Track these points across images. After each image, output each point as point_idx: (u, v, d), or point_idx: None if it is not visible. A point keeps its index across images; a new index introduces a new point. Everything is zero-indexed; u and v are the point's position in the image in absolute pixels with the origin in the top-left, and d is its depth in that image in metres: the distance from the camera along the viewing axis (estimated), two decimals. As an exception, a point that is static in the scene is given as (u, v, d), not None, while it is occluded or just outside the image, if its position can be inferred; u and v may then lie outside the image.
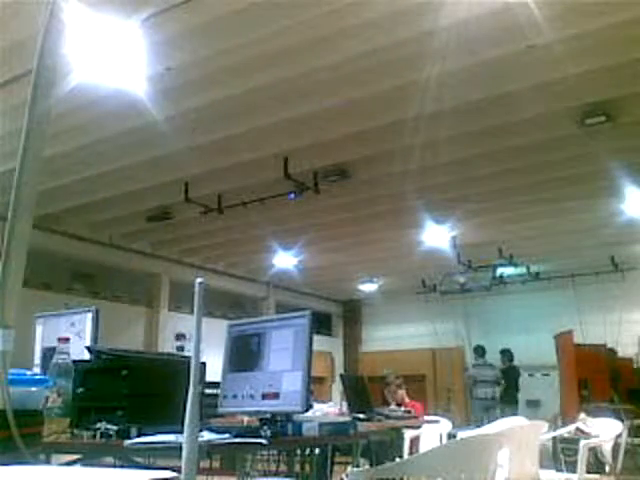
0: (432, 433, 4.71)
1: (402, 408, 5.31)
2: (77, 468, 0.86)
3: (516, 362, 11.15)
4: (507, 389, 10.84)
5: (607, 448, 4.14)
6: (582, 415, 4.92)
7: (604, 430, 4.27)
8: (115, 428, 1.88)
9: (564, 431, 5.03)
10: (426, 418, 4.88)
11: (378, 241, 10.15)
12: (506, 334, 12.18)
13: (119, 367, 2.11)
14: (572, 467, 4.16)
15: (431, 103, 5.43)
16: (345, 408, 4.43)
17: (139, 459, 1.89)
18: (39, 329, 2.98)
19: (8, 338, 1.08)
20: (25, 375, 1.16)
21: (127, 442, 1.76)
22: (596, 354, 9.66)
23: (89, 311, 2.91)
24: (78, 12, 3.75)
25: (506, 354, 11.07)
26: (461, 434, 4.35)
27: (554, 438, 5.17)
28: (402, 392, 6.24)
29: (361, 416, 3.71)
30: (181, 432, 1.45)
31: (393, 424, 3.92)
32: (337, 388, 11.74)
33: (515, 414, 9.32)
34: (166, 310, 11.06)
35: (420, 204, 8.20)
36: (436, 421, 4.84)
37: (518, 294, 12.34)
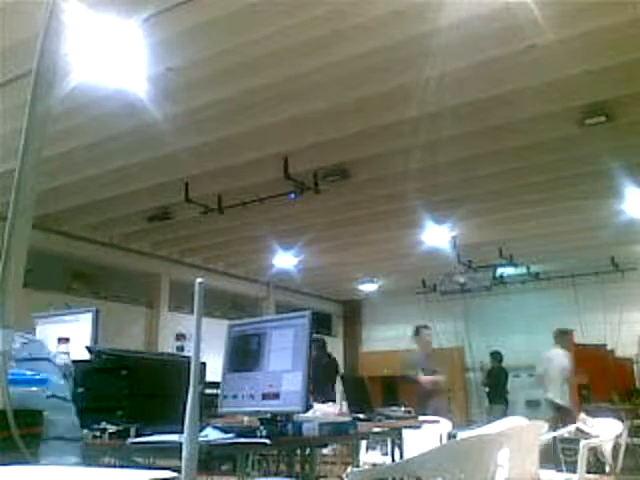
0: (432, 433, 4.71)
1: (402, 408, 5.30)
2: (77, 468, 0.86)
3: (517, 362, 11.17)
4: (496, 389, 10.88)
5: (607, 448, 4.14)
6: (582, 415, 4.91)
7: (604, 430, 4.27)
8: (115, 428, 1.88)
9: (564, 431, 5.02)
10: (426, 418, 4.87)
11: (378, 241, 10.14)
12: (506, 334, 12.18)
13: (119, 367, 2.11)
14: (572, 467, 4.15)
15: (431, 103, 5.43)
16: (345, 408, 4.43)
17: (139, 459, 1.89)
18: (39, 329, 2.98)
19: (8, 338, 1.08)
20: (25, 375, 1.16)
21: (127, 442, 1.76)
22: (596, 354, 9.67)
23: (89, 311, 2.92)
24: (78, 12, 3.76)
25: (496, 356, 11.15)
26: (461, 434, 4.34)
27: (554, 438, 5.16)
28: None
29: (361, 416, 3.71)
30: (181, 432, 1.45)
31: (393, 424, 3.92)
32: (337, 388, 11.72)
33: (506, 414, 9.34)
34: (166, 310, 11.05)
35: (420, 204, 8.20)
36: (436, 421, 4.83)
37: (518, 294, 12.33)
